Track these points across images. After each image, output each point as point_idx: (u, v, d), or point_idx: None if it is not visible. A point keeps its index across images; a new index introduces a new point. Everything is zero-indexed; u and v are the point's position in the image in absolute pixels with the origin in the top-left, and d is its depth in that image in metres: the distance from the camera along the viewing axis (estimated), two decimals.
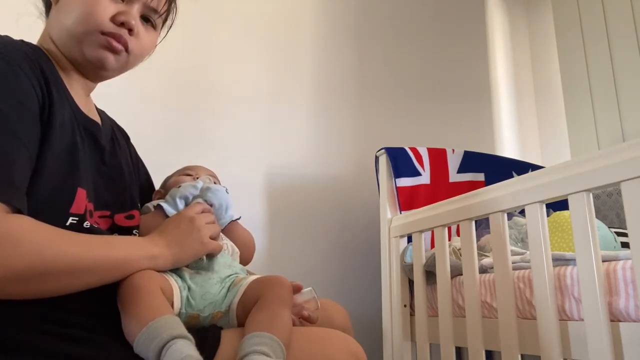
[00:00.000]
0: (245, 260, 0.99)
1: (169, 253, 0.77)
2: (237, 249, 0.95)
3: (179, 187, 0.94)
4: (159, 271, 0.82)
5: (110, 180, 0.85)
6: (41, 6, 0.85)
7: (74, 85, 0.81)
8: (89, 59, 0.79)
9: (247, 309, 0.76)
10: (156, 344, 0.62)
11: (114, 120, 0.96)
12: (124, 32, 0.78)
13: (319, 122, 1.95)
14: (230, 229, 0.98)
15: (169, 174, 1.09)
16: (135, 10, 0.80)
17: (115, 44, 0.78)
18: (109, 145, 0.86)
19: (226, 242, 0.93)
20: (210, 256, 0.85)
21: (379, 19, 2.18)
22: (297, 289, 0.89)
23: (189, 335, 0.65)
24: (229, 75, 1.81)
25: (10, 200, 0.59)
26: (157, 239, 0.77)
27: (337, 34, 2.07)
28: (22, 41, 0.74)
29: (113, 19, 0.77)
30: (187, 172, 1.06)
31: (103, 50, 0.78)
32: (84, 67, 0.81)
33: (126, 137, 1.00)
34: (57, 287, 0.63)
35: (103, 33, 0.77)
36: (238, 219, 1.01)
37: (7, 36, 0.72)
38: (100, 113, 0.91)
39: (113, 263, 0.68)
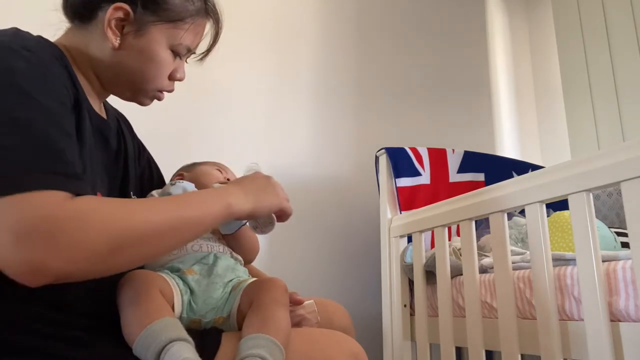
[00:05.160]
0: (249, 260, 0.98)
1: (245, 200, 0.74)
2: (240, 258, 0.93)
3: (173, 184, 0.92)
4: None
5: (119, 180, 0.85)
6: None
7: (89, 88, 0.80)
8: (134, 101, 0.85)
9: (244, 313, 0.76)
10: (155, 346, 0.62)
11: (116, 109, 0.95)
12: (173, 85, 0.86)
13: (319, 122, 1.95)
14: (241, 232, 0.95)
15: (168, 173, 1.08)
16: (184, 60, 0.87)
17: (163, 96, 0.86)
18: (116, 143, 0.87)
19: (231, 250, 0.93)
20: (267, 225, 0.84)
21: (379, 19, 2.18)
22: (298, 302, 0.87)
23: (189, 338, 0.65)
24: (229, 75, 1.81)
25: (73, 188, 0.58)
26: (231, 188, 0.76)
27: (337, 33, 2.07)
28: (42, 37, 0.72)
29: (171, 77, 0.84)
30: (218, 167, 1.04)
31: (150, 100, 0.86)
32: (114, 89, 0.84)
33: (129, 126, 0.99)
34: (139, 255, 0.61)
35: (159, 90, 0.84)
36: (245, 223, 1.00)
37: (28, 33, 0.71)
38: (105, 104, 0.90)
39: (187, 221, 0.65)
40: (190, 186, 0.91)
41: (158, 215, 0.62)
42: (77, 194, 0.58)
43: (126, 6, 0.75)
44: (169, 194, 0.88)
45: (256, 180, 0.81)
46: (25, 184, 0.54)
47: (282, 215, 0.84)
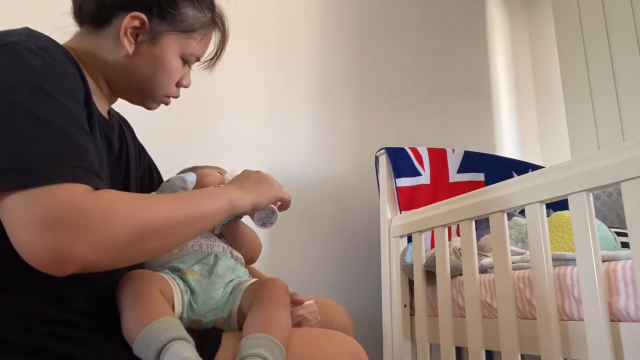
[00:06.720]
0: (251, 259, 0.99)
1: (245, 195, 0.79)
2: (240, 256, 0.93)
3: (168, 181, 0.92)
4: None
5: (120, 181, 0.86)
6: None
7: (96, 90, 0.81)
8: (142, 105, 0.87)
9: (245, 313, 0.76)
10: (155, 345, 0.62)
11: (118, 113, 0.96)
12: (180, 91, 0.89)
13: (319, 122, 1.95)
14: (235, 227, 0.96)
15: (168, 174, 1.08)
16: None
17: (170, 101, 0.88)
18: (118, 145, 0.87)
19: (231, 248, 0.92)
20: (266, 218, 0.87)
21: (379, 19, 2.18)
22: (298, 302, 0.87)
23: (189, 337, 0.65)
24: (229, 75, 1.81)
25: (94, 183, 0.60)
26: (229, 186, 0.80)
27: (337, 33, 2.07)
28: (51, 38, 0.72)
29: (178, 83, 0.86)
30: (218, 170, 1.05)
31: (158, 105, 0.88)
32: (124, 93, 0.85)
33: (130, 129, 1.00)
34: (157, 246, 0.64)
35: (167, 96, 0.86)
36: (238, 218, 1.00)
37: (40, 32, 0.71)
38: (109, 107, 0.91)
39: (200, 213, 0.69)
40: (190, 176, 0.92)
41: (174, 208, 0.65)
42: (97, 189, 0.60)
43: (142, 16, 0.77)
44: (172, 184, 0.89)
45: (249, 176, 0.85)
46: (50, 177, 0.56)
47: (282, 203, 0.88)
